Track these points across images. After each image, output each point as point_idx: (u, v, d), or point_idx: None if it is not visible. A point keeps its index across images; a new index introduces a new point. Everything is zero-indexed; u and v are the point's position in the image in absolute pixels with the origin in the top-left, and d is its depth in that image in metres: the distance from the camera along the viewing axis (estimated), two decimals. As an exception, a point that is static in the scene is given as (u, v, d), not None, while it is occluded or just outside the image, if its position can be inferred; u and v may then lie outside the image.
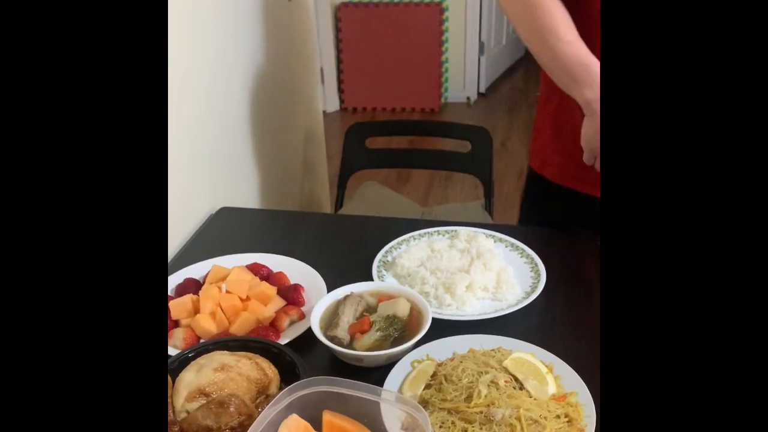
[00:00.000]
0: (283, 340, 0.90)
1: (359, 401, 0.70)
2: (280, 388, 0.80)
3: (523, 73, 4.72)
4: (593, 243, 1.14)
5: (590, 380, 0.80)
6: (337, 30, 3.93)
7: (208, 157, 1.33)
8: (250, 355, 0.79)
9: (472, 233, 1.12)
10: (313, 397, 0.71)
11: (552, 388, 0.77)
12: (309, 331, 0.90)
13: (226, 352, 0.79)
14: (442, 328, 0.91)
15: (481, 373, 0.77)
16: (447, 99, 4.15)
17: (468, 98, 4.15)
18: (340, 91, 4.08)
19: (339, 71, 4.03)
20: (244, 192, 1.52)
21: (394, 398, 0.70)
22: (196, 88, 1.26)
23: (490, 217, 1.73)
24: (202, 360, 0.76)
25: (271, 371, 0.78)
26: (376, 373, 0.85)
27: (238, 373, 0.74)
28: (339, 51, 3.96)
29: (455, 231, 1.14)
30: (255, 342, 0.84)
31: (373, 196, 1.89)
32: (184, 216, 1.24)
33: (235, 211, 1.32)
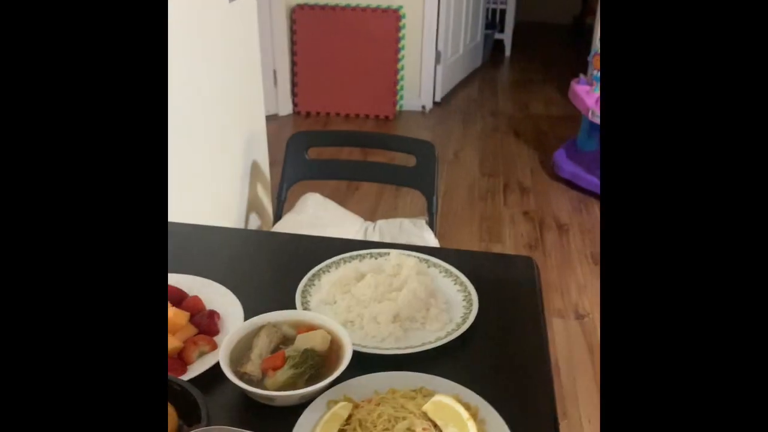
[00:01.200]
0: (190, 375, 0.83)
1: (259, 454, 0.63)
2: (179, 430, 0.73)
3: (479, 83, 4.73)
4: (531, 270, 1.10)
5: (516, 427, 0.75)
6: (292, 32, 3.84)
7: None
8: (143, 396, 0.71)
9: (404, 257, 1.06)
10: (208, 449, 0.64)
11: (473, 436, 0.72)
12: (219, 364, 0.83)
13: (116, 392, 0.71)
14: (365, 362, 0.85)
15: (399, 419, 0.71)
16: (402, 107, 4.11)
17: (423, 107, 4.13)
18: (294, 94, 3.99)
19: (293, 74, 3.94)
20: (174, 202, 1.42)
21: (297, 451, 0.63)
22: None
23: (433, 234, 1.68)
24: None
25: (168, 413, 0.71)
26: (290, 413, 0.78)
27: (125, 419, 0.66)
28: (293, 54, 3.88)
29: (388, 254, 1.08)
30: (155, 378, 0.76)
31: (314, 207, 1.82)
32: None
33: (156, 224, 1.23)
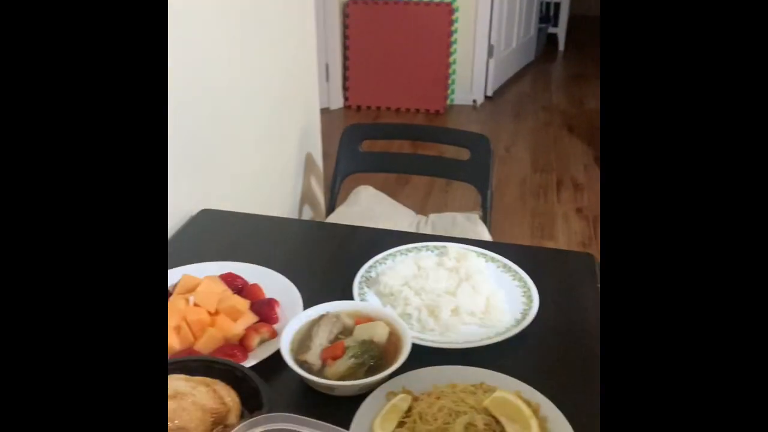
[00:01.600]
0: (251, 361, 0.84)
1: (322, 442, 0.64)
2: (242, 416, 0.74)
3: (532, 78, 4.64)
4: (591, 268, 1.07)
5: (577, 425, 0.73)
6: (345, 26, 3.85)
7: (191, 154, 1.26)
8: (209, 380, 0.72)
9: (463, 251, 1.05)
10: (274, 434, 0.64)
11: (536, 434, 0.70)
12: (280, 351, 0.84)
13: (182, 375, 0.72)
14: (423, 354, 0.85)
15: (459, 413, 0.70)
16: (453, 101, 4.07)
17: (474, 101, 4.08)
18: (345, 88, 4.01)
19: (345, 68, 3.96)
20: (231, 192, 1.45)
21: (360, 441, 0.63)
22: (179, 79, 1.20)
23: (487, 229, 1.66)
24: (153, 385, 0.69)
25: (231, 399, 0.72)
26: (348, 403, 0.78)
27: (192, 402, 0.68)
28: (345, 48, 3.89)
29: (445, 247, 1.07)
30: (219, 363, 0.78)
31: (366, 200, 1.82)
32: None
33: (216, 213, 1.26)
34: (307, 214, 1.97)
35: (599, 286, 1.02)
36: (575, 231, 2.68)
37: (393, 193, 2.04)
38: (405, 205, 1.89)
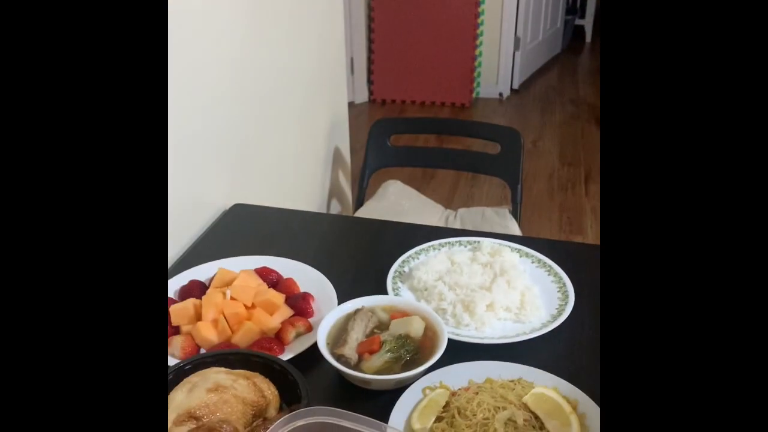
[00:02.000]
0: (288, 354, 0.84)
1: (362, 436, 0.64)
2: (281, 409, 0.75)
3: (558, 71, 4.58)
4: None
5: (619, 422, 0.72)
6: (370, 20, 3.85)
7: (224, 149, 1.27)
8: (249, 374, 0.73)
9: (497, 246, 1.04)
10: (313, 428, 0.65)
11: (575, 430, 0.70)
12: (316, 345, 0.84)
13: (222, 369, 0.73)
14: (459, 349, 0.85)
15: (499, 408, 0.70)
16: (479, 94, 4.04)
17: (500, 94, 4.04)
18: (370, 82, 4.01)
19: (369, 62, 3.95)
20: (262, 187, 1.46)
21: (400, 435, 0.63)
22: (212, 75, 1.21)
23: (517, 223, 1.65)
24: (195, 377, 0.70)
25: (270, 392, 0.73)
26: (384, 398, 0.79)
27: (233, 395, 0.68)
28: (371, 41, 3.89)
29: (478, 242, 1.07)
30: (257, 357, 0.78)
31: (395, 195, 1.82)
32: (195, 211, 1.19)
33: (249, 208, 1.27)
34: (335, 209, 1.98)
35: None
36: (604, 225, 2.64)
37: (419, 188, 2.04)
38: (431, 199, 1.88)
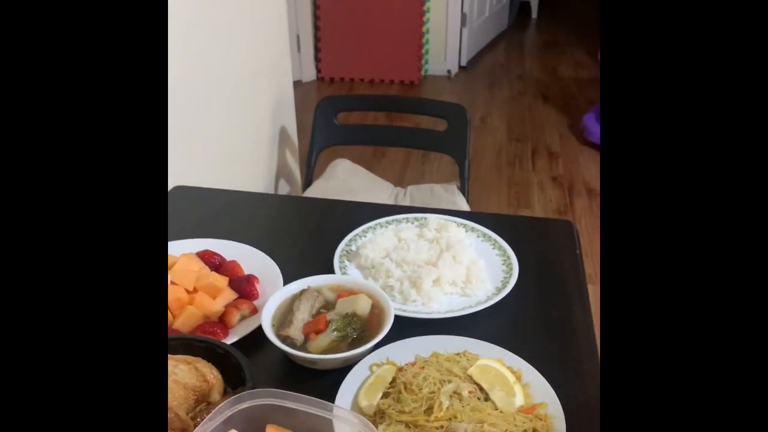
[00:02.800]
0: (232, 338, 0.83)
1: (308, 416, 0.63)
2: (225, 393, 0.73)
3: (506, 47, 4.62)
4: (570, 234, 1.08)
5: (560, 389, 0.74)
6: (315, -4, 3.78)
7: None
8: (189, 358, 0.71)
9: (443, 222, 1.05)
10: (257, 411, 0.64)
11: (520, 400, 0.71)
12: (261, 328, 0.83)
13: (163, 355, 0.71)
14: (406, 326, 0.85)
15: (444, 381, 0.71)
16: (427, 71, 4.04)
17: (448, 71, 4.05)
18: (317, 60, 3.95)
19: (316, 40, 3.89)
20: (204, 168, 1.42)
21: (347, 415, 0.63)
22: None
23: (465, 199, 1.66)
24: (134, 365, 0.68)
25: (213, 376, 0.71)
26: (332, 377, 0.78)
27: (173, 380, 0.67)
28: (316, 18, 3.82)
29: (425, 219, 1.07)
30: (199, 341, 0.77)
31: (344, 174, 1.80)
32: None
33: (190, 190, 1.23)
34: (284, 189, 1.95)
35: (579, 252, 1.03)
36: (551, 199, 2.70)
37: (370, 166, 2.03)
38: (382, 177, 1.88)
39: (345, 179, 1.78)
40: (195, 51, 1.33)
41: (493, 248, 1.01)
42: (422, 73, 3.96)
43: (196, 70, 1.34)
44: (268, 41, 1.76)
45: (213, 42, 1.40)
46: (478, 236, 1.04)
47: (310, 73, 3.95)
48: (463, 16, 3.93)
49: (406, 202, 1.71)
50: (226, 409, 0.63)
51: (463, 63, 4.13)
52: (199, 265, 0.93)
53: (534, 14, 5.33)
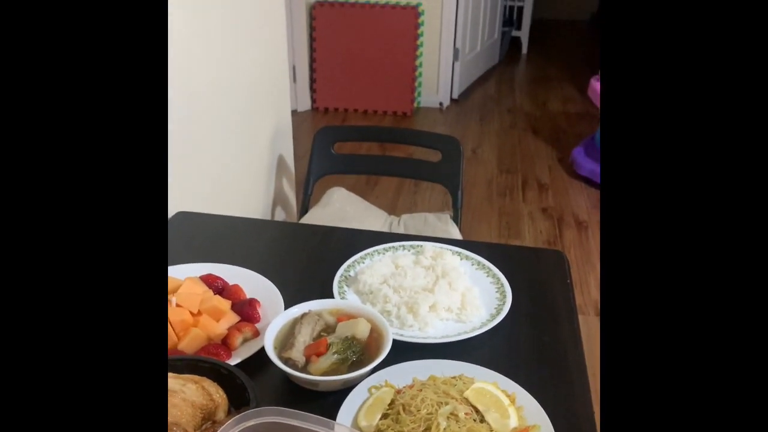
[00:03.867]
0: (235, 360, 0.85)
1: (311, 434, 0.66)
2: (229, 412, 0.76)
3: (496, 81, 4.73)
4: (561, 264, 1.12)
5: (552, 412, 0.77)
6: (311, 29, 3.87)
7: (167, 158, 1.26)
8: (197, 378, 0.74)
9: (438, 249, 1.09)
10: (261, 429, 0.66)
11: (514, 421, 0.74)
12: (263, 350, 0.85)
13: (171, 374, 0.73)
14: (403, 350, 0.88)
15: (441, 403, 0.74)
16: (420, 103, 4.12)
17: (440, 104, 4.14)
18: (312, 90, 4.02)
19: (312, 70, 3.97)
20: (204, 195, 1.45)
21: (348, 432, 0.66)
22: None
23: (458, 228, 1.70)
24: (143, 384, 0.70)
25: (219, 396, 0.74)
26: (332, 398, 0.81)
27: (182, 398, 0.69)
28: (312, 50, 3.90)
29: (421, 246, 1.11)
30: (204, 362, 0.79)
31: (339, 201, 1.84)
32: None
33: (192, 216, 1.27)
34: (280, 216, 1.98)
35: (569, 282, 1.06)
36: (540, 230, 2.75)
37: (363, 195, 2.07)
38: (375, 206, 1.92)
39: (341, 207, 1.82)
40: (199, 81, 1.37)
41: (487, 276, 1.05)
42: (415, 104, 4.04)
43: (200, 100, 1.38)
44: (269, 72, 1.81)
45: (216, 72, 1.45)
46: (472, 264, 1.08)
47: (305, 103, 4.02)
48: (456, 50, 4.03)
49: (400, 230, 1.75)
50: (233, 426, 0.65)
51: (455, 96, 4.22)
52: (202, 289, 0.95)
53: (524, 50, 5.47)
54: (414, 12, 3.75)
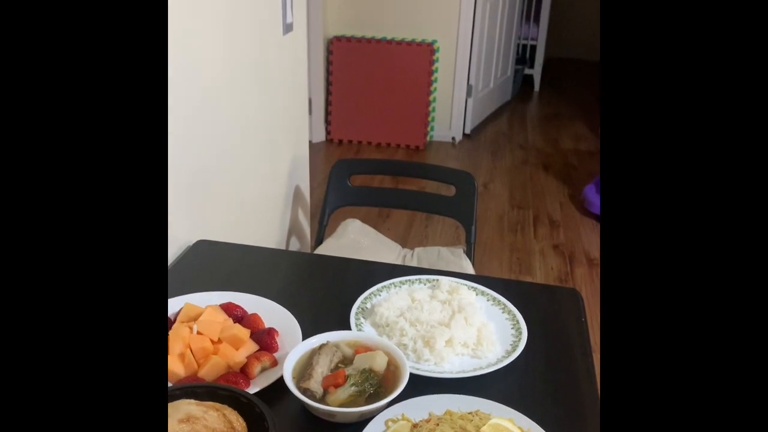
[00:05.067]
0: (254, 389, 0.86)
1: (330, 464, 0.67)
2: (247, 442, 0.77)
3: (508, 117, 4.79)
4: (576, 302, 1.13)
5: (569, 451, 0.77)
6: (328, 62, 3.95)
7: (188, 186, 1.30)
8: (218, 405, 0.75)
9: (455, 284, 1.10)
10: (282, 458, 0.67)
11: (530, 459, 0.74)
12: (281, 379, 0.87)
13: (192, 400, 0.75)
14: (419, 383, 0.88)
15: (458, 438, 0.74)
16: (432, 137, 4.17)
17: (453, 138, 4.19)
18: (327, 122, 4.09)
19: (327, 103, 4.04)
20: (224, 223, 1.48)
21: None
22: (181, 114, 1.24)
23: (471, 263, 1.71)
24: (166, 409, 0.72)
25: (239, 424, 0.75)
26: (348, 430, 0.82)
27: (204, 425, 0.70)
28: (329, 83, 3.98)
29: (437, 280, 1.12)
30: (224, 390, 0.80)
31: (354, 233, 1.86)
32: (159, 247, 1.20)
33: (212, 244, 1.29)
34: (294, 246, 2.01)
35: (584, 320, 1.07)
36: (552, 267, 2.75)
37: (375, 227, 2.09)
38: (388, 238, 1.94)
39: (355, 239, 1.84)
40: (224, 112, 1.41)
41: (502, 312, 1.06)
42: (427, 138, 4.09)
43: (222, 130, 1.42)
44: (290, 107, 1.86)
45: (241, 105, 1.49)
46: (487, 300, 1.09)
47: (319, 134, 4.08)
48: (469, 87, 4.09)
49: (414, 263, 1.76)
50: (253, 455, 0.66)
51: (467, 131, 4.27)
52: (222, 317, 0.97)
53: (536, 87, 5.54)
54: (429, 48, 3.83)
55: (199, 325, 0.93)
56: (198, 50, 1.26)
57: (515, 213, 3.24)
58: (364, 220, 1.96)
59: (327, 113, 4.06)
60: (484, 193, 3.46)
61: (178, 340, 0.90)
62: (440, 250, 1.78)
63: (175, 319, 0.98)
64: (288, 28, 1.76)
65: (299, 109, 1.95)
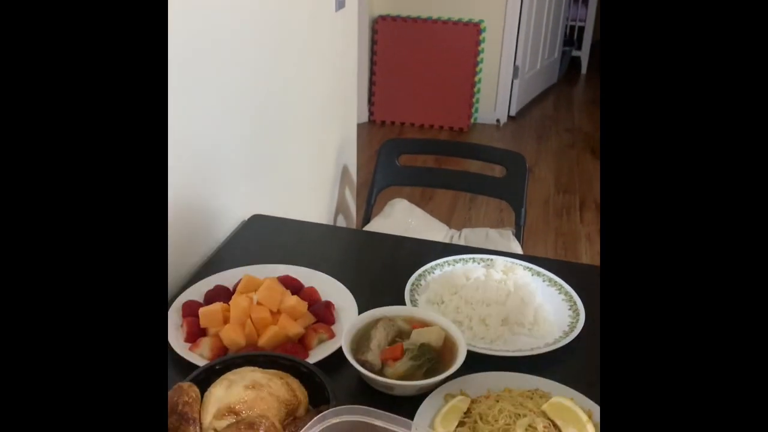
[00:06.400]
0: (311, 360, 0.88)
1: (391, 434, 0.67)
2: (308, 411, 0.78)
3: (554, 100, 4.69)
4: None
5: None
6: (373, 42, 3.93)
7: (245, 163, 1.31)
8: (282, 374, 0.76)
9: (510, 264, 1.09)
10: (345, 426, 0.68)
11: (592, 438, 0.74)
12: (337, 352, 0.88)
13: (256, 368, 0.76)
14: (475, 361, 0.88)
15: (519, 415, 0.74)
16: (476, 119, 4.13)
17: (497, 120, 4.13)
18: (371, 103, 4.08)
19: (371, 83, 4.03)
20: (277, 199, 1.50)
21: (430, 435, 0.67)
22: (234, 92, 1.25)
23: (519, 245, 1.69)
24: (232, 375, 0.73)
25: (301, 393, 0.76)
26: (406, 404, 0.82)
27: (269, 392, 0.72)
28: (373, 63, 3.96)
29: (491, 260, 1.11)
30: (285, 359, 0.82)
31: (401, 213, 1.86)
32: (217, 220, 1.23)
33: (267, 219, 1.31)
34: (341, 223, 2.02)
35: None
36: (598, 252, 2.70)
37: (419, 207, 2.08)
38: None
39: (402, 218, 1.84)
40: (275, 92, 1.42)
41: (559, 293, 1.05)
42: (471, 120, 4.05)
43: (273, 109, 1.43)
44: (339, 87, 1.86)
45: (291, 84, 1.50)
46: (543, 280, 1.08)
47: (362, 115, 4.08)
48: (516, 68, 4.02)
49: (462, 243, 1.75)
50: (318, 423, 0.67)
51: (512, 113, 4.20)
52: (281, 289, 0.98)
53: (584, 70, 5.41)
54: (476, 28, 3.77)
55: (259, 296, 0.94)
56: (250, 31, 1.27)
57: (561, 197, 3.19)
58: (408, 200, 1.96)
59: (371, 94, 4.05)
60: (529, 176, 3.41)
61: (238, 310, 0.92)
62: (488, 232, 1.77)
63: (234, 290, 1.00)
64: (340, 3, 1.75)
65: (348, 90, 1.95)
